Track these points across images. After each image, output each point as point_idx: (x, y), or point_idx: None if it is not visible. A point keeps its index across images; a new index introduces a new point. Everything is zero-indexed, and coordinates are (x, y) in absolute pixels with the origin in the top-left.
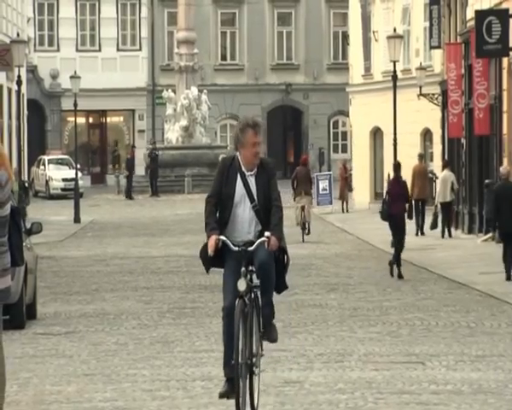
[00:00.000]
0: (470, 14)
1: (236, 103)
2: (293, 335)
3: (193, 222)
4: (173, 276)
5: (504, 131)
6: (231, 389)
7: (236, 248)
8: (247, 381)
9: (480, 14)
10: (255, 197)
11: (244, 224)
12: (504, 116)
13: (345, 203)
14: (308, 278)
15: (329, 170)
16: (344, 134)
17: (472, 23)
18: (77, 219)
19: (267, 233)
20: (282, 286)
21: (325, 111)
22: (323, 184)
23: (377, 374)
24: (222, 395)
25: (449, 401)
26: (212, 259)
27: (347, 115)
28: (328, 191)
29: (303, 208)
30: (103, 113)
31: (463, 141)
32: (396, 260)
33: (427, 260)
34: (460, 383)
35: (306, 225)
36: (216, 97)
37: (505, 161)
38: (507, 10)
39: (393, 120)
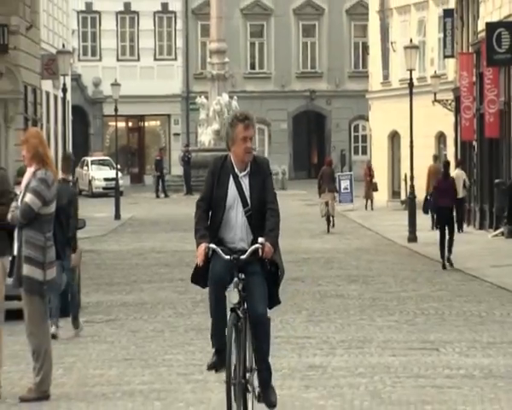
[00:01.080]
0: (481, 25)
1: (264, 109)
2: (317, 323)
3: None
4: None
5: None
6: (220, 361)
7: (228, 257)
8: (242, 401)
9: (491, 26)
10: (248, 201)
11: (237, 230)
12: None
13: (369, 201)
14: (331, 271)
15: (350, 170)
16: (364, 137)
17: (483, 34)
18: (117, 216)
19: (261, 239)
20: (274, 301)
21: (346, 116)
22: (345, 184)
23: (395, 359)
24: (210, 367)
25: (461, 384)
26: (205, 271)
27: (367, 120)
28: (349, 190)
29: (327, 203)
30: (141, 117)
31: (475, 143)
32: (448, 250)
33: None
34: (472, 368)
35: (331, 219)
36: (245, 103)
37: None
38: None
39: (410, 124)
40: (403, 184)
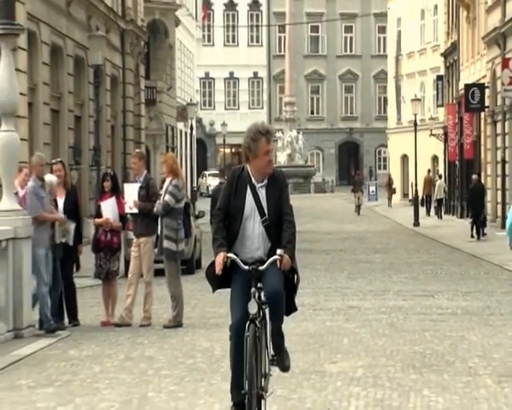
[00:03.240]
0: (461, 86)
1: (319, 139)
2: (354, 279)
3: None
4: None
5: (482, 156)
6: None
7: (246, 267)
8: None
9: (467, 86)
10: (266, 211)
11: (254, 239)
12: (482, 148)
13: (391, 201)
14: (363, 245)
15: (376, 180)
16: (384, 158)
17: (462, 91)
18: None
19: (279, 251)
20: (291, 308)
21: (373, 144)
22: (372, 188)
23: (405, 303)
24: None
25: (448, 319)
26: (220, 278)
27: (386, 147)
28: (374, 193)
29: (358, 198)
30: (240, 146)
31: (457, 162)
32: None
33: (435, 234)
34: (455, 308)
35: (360, 207)
36: (307, 136)
37: (483, 173)
38: (483, 84)
39: (414, 150)
40: (410, 189)
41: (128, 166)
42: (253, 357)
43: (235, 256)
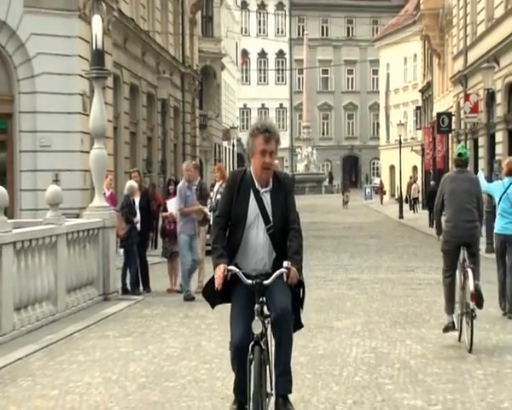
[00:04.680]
0: (434, 114)
1: (329, 154)
2: (354, 258)
3: (311, 207)
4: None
5: (449, 166)
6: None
7: (249, 282)
8: None
9: (439, 114)
10: (270, 218)
11: (258, 249)
12: (449, 160)
13: (382, 200)
14: (361, 232)
15: (371, 184)
16: (377, 168)
17: (435, 118)
18: None
19: (286, 263)
20: (297, 325)
21: (369, 157)
22: (368, 190)
23: (392, 275)
24: None
25: (425, 288)
26: (220, 293)
27: (379, 159)
28: (370, 193)
29: (346, 196)
30: None
31: (431, 171)
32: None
33: (415, 224)
34: (430, 280)
35: (348, 203)
36: (319, 151)
37: None
38: (450, 113)
39: (399, 161)
40: (396, 191)
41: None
42: (258, 381)
43: (236, 269)
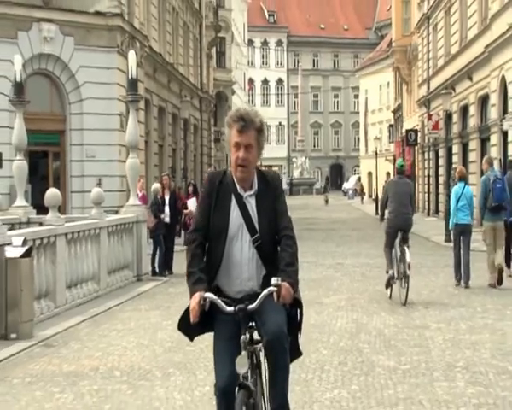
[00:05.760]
0: (404, 130)
1: (319, 162)
2: (339, 246)
3: (304, 206)
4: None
5: (416, 172)
6: None
7: (231, 309)
8: None
9: (407, 131)
10: (257, 227)
11: (243, 267)
12: (416, 167)
13: (362, 199)
14: (345, 225)
15: (347, 181)
16: (358, 174)
17: (404, 134)
18: None
19: (274, 280)
20: (294, 352)
21: (351, 165)
22: (350, 192)
23: (370, 260)
24: None
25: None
26: (199, 323)
27: (359, 167)
28: (352, 195)
29: (326, 196)
30: (270, 166)
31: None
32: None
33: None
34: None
35: (328, 202)
36: (311, 160)
37: (416, 183)
38: (416, 129)
39: (376, 168)
40: (373, 192)
41: (202, 177)
42: None
43: (213, 296)
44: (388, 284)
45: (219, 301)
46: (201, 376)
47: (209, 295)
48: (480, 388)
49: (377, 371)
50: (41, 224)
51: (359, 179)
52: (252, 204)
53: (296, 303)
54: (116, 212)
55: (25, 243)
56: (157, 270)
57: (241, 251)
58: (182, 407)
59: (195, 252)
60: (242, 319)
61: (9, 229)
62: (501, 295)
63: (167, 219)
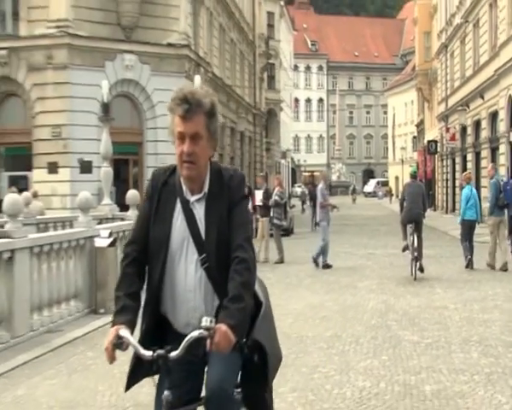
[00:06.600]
0: (425, 141)
1: (353, 168)
2: (371, 239)
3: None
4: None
5: (436, 177)
6: None
7: (149, 354)
8: None
9: (428, 141)
10: (203, 241)
11: (187, 294)
12: (436, 173)
13: (391, 199)
14: (375, 221)
15: (375, 179)
16: (387, 177)
17: (426, 144)
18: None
19: (205, 321)
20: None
21: (381, 170)
22: (380, 193)
23: (397, 251)
24: None
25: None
26: (138, 365)
27: (388, 172)
28: (382, 195)
29: (354, 196)
30: (312, 173)
31: (423, 180)
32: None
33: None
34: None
35: (356, 201)
36: (347, 166)
37: (436, 186)
38: (436, 140)
39: (402, 173)
40: (399, 193)
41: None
42: None
43: (128, 336)
44: (404, 249)
45: (135, 344)
46: None
47: (124, 333)
48: (491, 359)
49: (403, 345)
50: (123, 219)
51: (378, 183)
52: (200, 212)
53: (257, 347)
54: None
55: (110, 234)
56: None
57: (186, 273)
58: None
59: (126, 271)
60: (163, 368)
61: (98, 223)
62: (509, 281)
63: None
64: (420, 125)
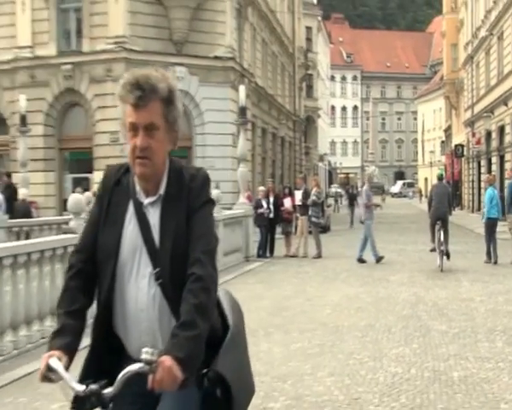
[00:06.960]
0: (453, 145)
1: (385, 170)
2: (401, 235)
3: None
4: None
5: (462, 178)
6: None
7: (82, 388)
8: None
9: (456, 145)
10: (157, 253)
11: (139, 313)
12: (462, 174)
13: (420, 199)
14: (405, 219)
15: (413, 188)
16: (416, 180)
17: (453, 148)
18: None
19: (145, 353)
20: None
21: (411, 173)
22: (411, 193)
23: (426, 247)
24: None
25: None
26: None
27: (417, 174)
28: (412, 195)
29: (383, 197)
30: (347, 174)
31: (450, 181)
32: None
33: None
34: (452, 251)
35: (385, 200)
36: (380, 169)
37: (462, 187)
38: (463, 145)
39: (431, 175)
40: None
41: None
42: None
43: (57, 365)
44: (432, 250)
45: (66, 376)
46: (295, 334)
47: (54, 364)
48: None
49: (432, 334)
50: None
51: (404, 184)
52: (154, 217)
53: (219, 379)
54: (230, 208)
55: None
56: (260, 253)
57: (138, 289)
58: (280, 358)
59: (68, 285)
60: (94, 405)
61: None
62: None
63: (271, 215)
64: (448, 131)
